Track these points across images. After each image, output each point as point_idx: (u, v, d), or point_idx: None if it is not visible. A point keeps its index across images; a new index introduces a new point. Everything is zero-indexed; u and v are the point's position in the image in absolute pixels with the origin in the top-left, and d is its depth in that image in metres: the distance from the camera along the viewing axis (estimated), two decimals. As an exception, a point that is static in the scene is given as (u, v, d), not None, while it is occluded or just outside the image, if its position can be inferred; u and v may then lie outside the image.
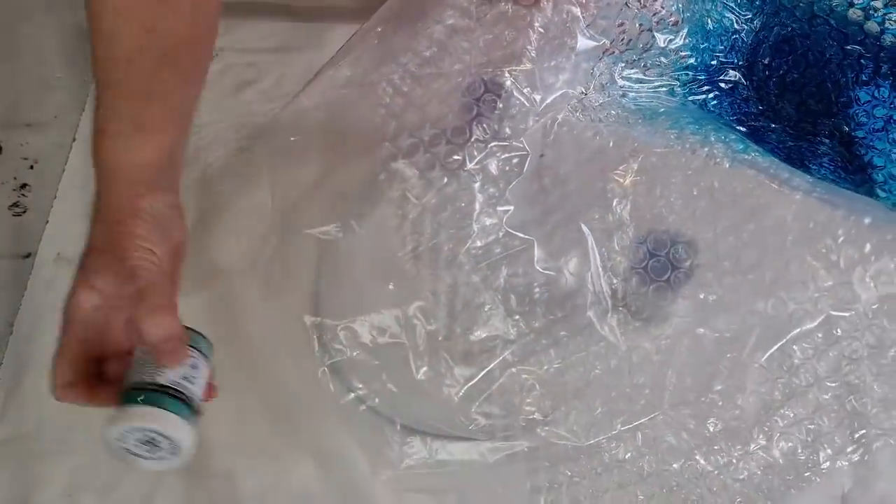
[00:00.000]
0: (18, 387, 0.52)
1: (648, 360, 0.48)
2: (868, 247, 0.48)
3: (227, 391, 0.51)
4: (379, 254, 0.51)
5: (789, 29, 0.54)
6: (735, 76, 0.55)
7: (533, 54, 0.50)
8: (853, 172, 0.52)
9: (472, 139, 0.50)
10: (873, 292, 0.48)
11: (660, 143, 0.51)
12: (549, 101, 0.51)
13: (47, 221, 0.57)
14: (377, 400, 0.49)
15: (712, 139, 0.50)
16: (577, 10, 0.50)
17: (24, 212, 0.58)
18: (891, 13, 0.51)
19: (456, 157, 0.51)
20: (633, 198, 0.50)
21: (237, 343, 0.52)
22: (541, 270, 0.50)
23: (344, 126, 0.54)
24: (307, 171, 0.55)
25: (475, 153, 0.50)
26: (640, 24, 0.52)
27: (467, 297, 0.50)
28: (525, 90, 0.50)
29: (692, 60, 0.54)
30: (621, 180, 0.50)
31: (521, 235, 0.50)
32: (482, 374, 0.48)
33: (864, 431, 0.47)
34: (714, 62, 0.55)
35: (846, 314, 0.47)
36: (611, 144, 0.51)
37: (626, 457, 0.48)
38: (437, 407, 0.48)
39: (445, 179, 0.51)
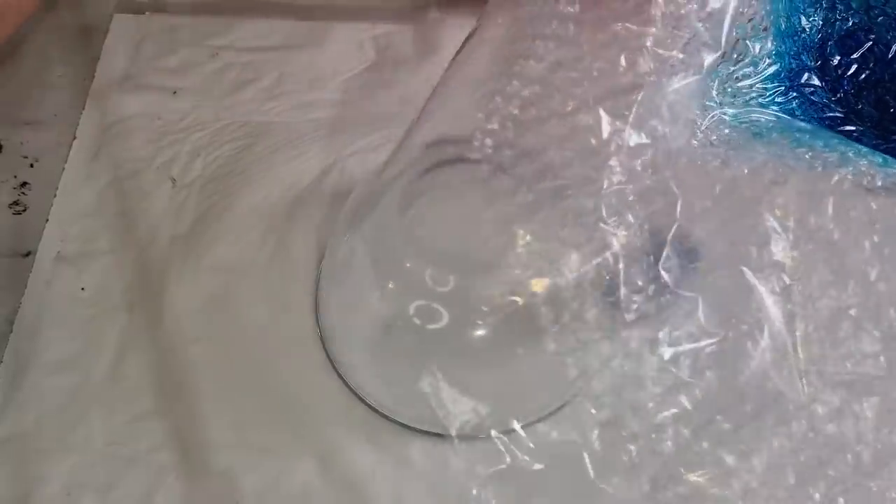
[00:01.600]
0: (18, 385, 0.52)
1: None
2: None
3: (227, 390, 0.51)
4: (381, 254, 0.49)
5: (850, 23, 0.52)
6: (811, 78, 0.51)
7: (653, 78, 0.43)
8: None
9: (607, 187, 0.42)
10: None
11: (794, 163, 0.44)
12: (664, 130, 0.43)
13: (47, 220, 0.57)
14: (378, 399, 0.49)
15: (851, 155, 0.44)
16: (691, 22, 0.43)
17: (24, 210, 0.58)
18: None
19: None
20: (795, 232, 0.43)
21: (237, 342, 0.53)
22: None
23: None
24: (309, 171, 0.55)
25: (613, 201, 0.42)
26: (736, 33, 0.46)
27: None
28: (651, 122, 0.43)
29: (777, 66, 0.50)
30: (779, 213, 0.43)
31: (684, 293, 0.42)
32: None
33: None
34: (792, 65, 0.51)
35: None
36: (745, 171, 0.44)
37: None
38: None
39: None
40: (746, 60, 0.48)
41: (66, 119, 0.61)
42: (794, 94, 0.51)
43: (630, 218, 0.42)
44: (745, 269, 0.42)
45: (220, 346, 0.52)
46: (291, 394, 0.51)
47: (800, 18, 0.51)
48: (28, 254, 0.56)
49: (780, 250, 0.42)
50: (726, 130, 0.46)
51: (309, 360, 0.52)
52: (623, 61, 0.42)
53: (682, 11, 0.43)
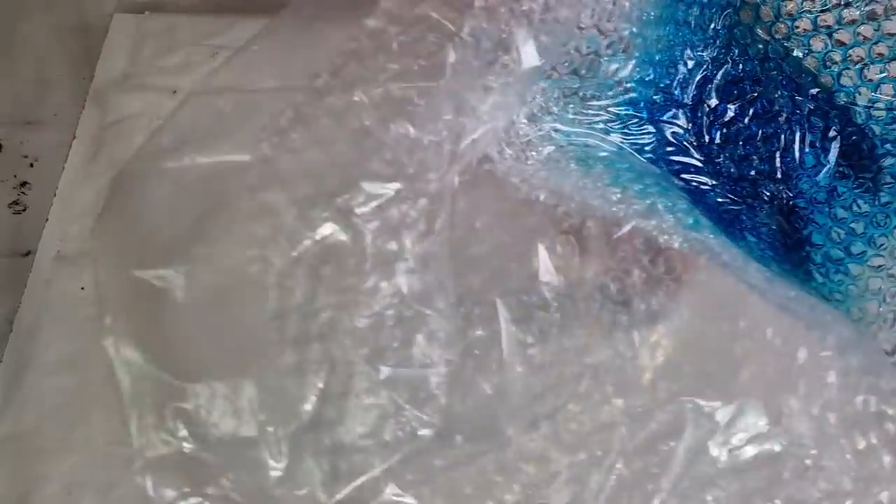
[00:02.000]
0: (18, 385, 0.52)
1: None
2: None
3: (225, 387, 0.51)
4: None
5: (739, 69, 0.48)
6: (677, 116, 0.47)
7: (455, 70, 0.40)
8: (791, 248, 0.46)
9: (371, 175, 0.39)
10: None
11: (598, 202, 0.41)
12: (471, 130, 0.40)
13: (47, 219, 0.57)
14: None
15: (660, 207, 0.40)
16: (518, 22, 0.40)
17: (24, 210, 0.58)
18: (848, 69, 0.46)
19: (345, 195, 0.39)
20: (565, 272, 0.41)
21: (238, 338, 0.52)
22: (439, 356, 0.40)
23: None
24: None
25: (373, 192, 0.40)
26: (588, 47, 0.44)
27: (344, 381, 0.40)
28: (445, 116, 0.40)
29: (635, 94, 0.46)
30: (551, 249, 0.41)
31: (423, 310, 0.40)
32: (352, 488, 0.40)
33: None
34: (658, 97, 0.47)
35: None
36: (541, 197, 0.41)
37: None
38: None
39: (330, 222, 0.40)
40: (596, 80, 0.45)
41: (65, 118, 0.61)
42: (651, 128, 0.47)
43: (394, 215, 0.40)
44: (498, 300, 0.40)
45: (221, 346, 0.52)
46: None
47: (684, 51, 0.47)
48: (27, 253, 0.56)
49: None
50: (549, 149, 0.43)
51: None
52: (429, 44, 0.40)
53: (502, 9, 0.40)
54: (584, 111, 0.45)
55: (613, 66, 0.44)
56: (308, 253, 0.40)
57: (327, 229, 0.40)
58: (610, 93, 0.45)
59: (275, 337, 0.41)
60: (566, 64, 0.43)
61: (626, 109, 0.46)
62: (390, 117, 0.40)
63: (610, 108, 0.45)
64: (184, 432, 0.41)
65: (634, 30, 0.44)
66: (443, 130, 0.40)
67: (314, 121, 0.42)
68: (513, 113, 0.42)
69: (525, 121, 0.43)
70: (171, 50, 0.62)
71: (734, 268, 0.39)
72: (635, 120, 0.46)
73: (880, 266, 0.44)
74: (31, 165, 0.59)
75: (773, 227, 0.46)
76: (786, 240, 0.46)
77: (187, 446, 0.40)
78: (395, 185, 0.39)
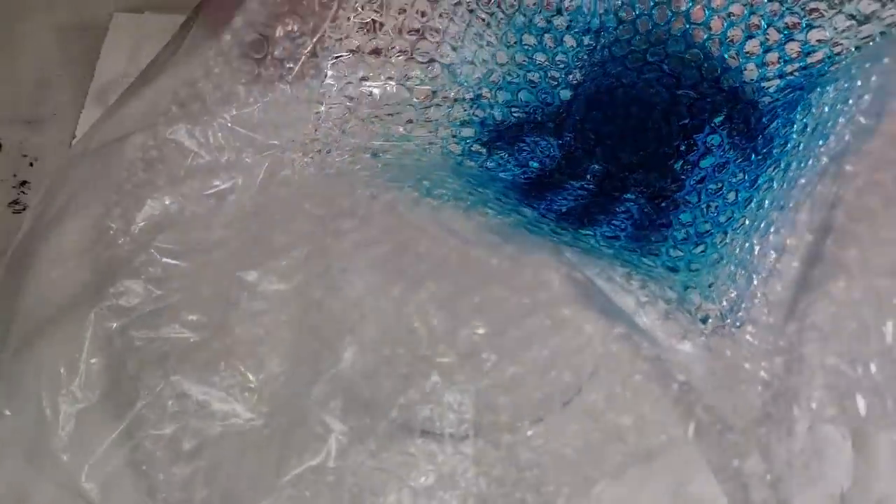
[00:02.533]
0: (18, 383, 0.52)
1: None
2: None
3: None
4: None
5: (612, 80, 0.48)
6: (535, 137, 0.47)
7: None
8: (647, 229, 0.46)
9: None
10: None
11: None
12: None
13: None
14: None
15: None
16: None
17: (24, 209, 0.59)
18: (729, 50, 0.46)
19: None
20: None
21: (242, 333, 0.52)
22: None
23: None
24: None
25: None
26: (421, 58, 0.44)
27: None
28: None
29: (479, 117, 0.47)
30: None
31: None
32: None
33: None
34: (512, 119, 0.47)
35: None
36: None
37: None
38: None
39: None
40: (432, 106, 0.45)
41: (65, 118, 0.61)
42: (499, 146, 0.47)
43: None
44: None
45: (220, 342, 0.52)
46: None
47: (544, 75, 0.47)
48: None
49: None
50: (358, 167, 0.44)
51: None
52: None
53: None
54: (416, 135, 0.46)
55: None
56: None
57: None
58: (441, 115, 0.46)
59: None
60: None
61: (466, 130, 0.47)
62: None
63: (447, 131, 0.46)
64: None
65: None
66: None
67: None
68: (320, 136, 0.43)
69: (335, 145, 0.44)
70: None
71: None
72: (479, 141, 0.47)
73: (742, 225, 0.43)
74: (31, 165, 0.60)
75: (635, 214, 0.46)
76: (644, 222, 0.46)
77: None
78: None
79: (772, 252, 0.40)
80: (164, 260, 0.41)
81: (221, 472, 0.40)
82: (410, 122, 0.45)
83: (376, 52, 0.43)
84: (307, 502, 0.38)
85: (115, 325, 0.41)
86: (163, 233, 0.41)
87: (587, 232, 0.44)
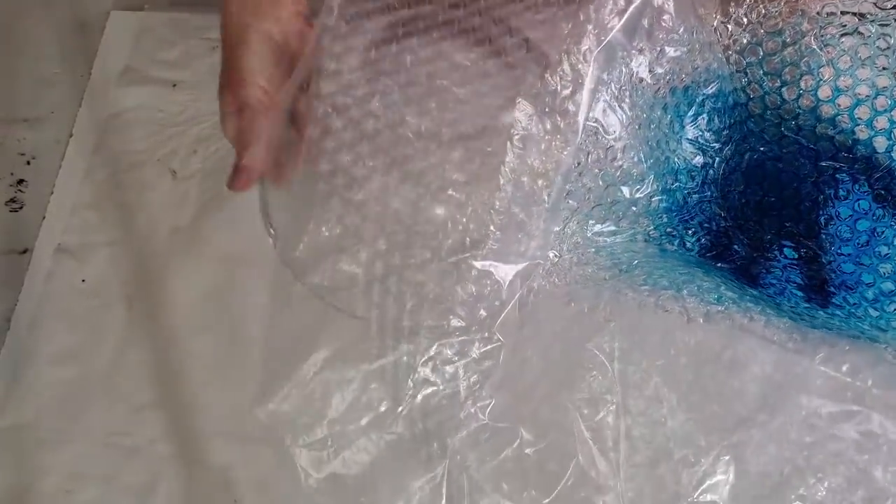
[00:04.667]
0: (19, 377, 0.52)
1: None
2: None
3: (226, 381, 0.52)
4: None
5: (760, 152, 0.53)
6: (711, 210, 0.52)
7: (498, 234, 0.46)
8: (817, 293, 0.51)
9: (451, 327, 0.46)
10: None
11: (632, 303, 0.49)
12: (520, 271, 0.46)
13: (44, 217, 0.57)
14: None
15: (685, 293, 0.49)
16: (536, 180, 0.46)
17: (21, 207, 0.58)
18: (859, 125, 0.51)
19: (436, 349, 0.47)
20: (615, 365, 0.48)
21: (237, 332, 0.53)
22: (529, 454, 0.47)
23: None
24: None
25: (455, 345, 0.47)
26: (604, 181, 0.49)
27: (461, 484, 0.47)
28: (493, 267, 0.46)
29: (665, 203, 0.52)
30: (599, 350, 0.49)
31: (503, 426, 0.48)
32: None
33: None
34: (688, 200, 0.53)
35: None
36: (585, 310, 0.49)
37: None
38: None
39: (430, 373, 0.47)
40: (622, 203, 0.49)
41: (63, 116, 0.61)
42: (686, 225, 0.52)
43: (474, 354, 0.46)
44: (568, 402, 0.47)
45: (221, 337, 0.53)
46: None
47: (700, 155, 0.52)
48: (25, 251, 0.57)
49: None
50: (590, 269, 0.49)
51: (309, 347, 0.51)
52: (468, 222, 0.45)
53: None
54: (622, 229, 0.50)
55: (633, 188, 0.49)
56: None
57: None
58: (638, 208, 0.50)
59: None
60: (589, 199, 0.48)
61: (659, 218, 0.51)
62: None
63: (645, 221, 0.50)
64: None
65: (642, 154, 0.48)
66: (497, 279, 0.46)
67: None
68: (555, 248, 0.48)
69: (568, 251, 0.49)
70: (170, 44, 0.62)
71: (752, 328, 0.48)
72: (671, 224, 0.51)
73: None
74: (28, 163, 0.60)
75: (799, 281, 0.51)
76: (809, 286, 0.51)
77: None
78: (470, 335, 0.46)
79: None
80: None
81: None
82: (619, 216, 0.50)
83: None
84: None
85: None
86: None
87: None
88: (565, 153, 0.46)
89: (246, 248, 0.55)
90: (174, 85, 0.61)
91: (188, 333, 0.53)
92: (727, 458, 0.46)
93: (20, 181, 0.59)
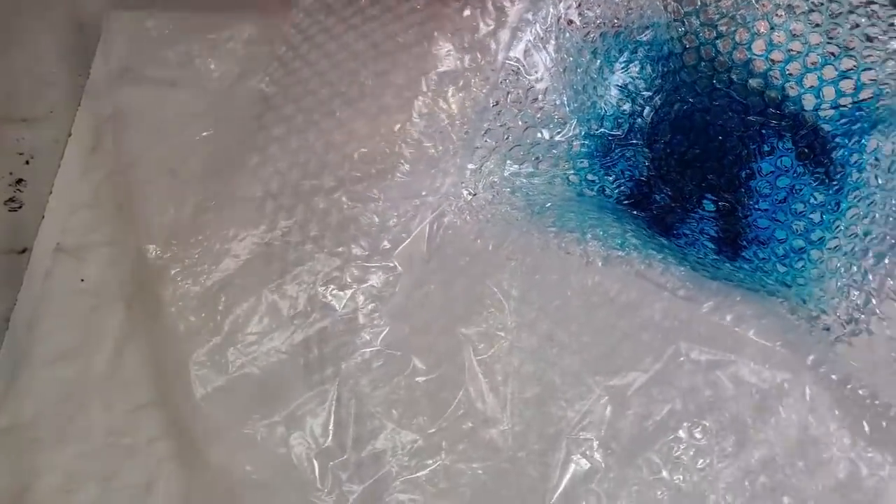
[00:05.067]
0: (17, 376, 0.52)
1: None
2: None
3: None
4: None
5: (690, 104, 0.54)
6: (635, 158, 0.55)
7: (407, 167, 0.49)
8: (729, 245, 0.54)
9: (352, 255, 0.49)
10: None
11: (537, 243, 0.50)
12: (431, 205, 0.50)
13: (43, 216, 0.57)
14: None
15: (588, 237, 0.50)
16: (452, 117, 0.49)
17: (20, 207, 0.58)
18: (789, 82, 0.52)
19: (336, 274, 0.49)
20: (511, 303, 0.49)
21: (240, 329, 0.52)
22: (420, 382, 0.48)
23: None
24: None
25: (355, 272, 0.49)
26: (523, 122, 0.51)
27: (350, 408, 0.48)
28: (402, 200, 0.50)
29: (587, 148, 0.54)
30: (498, 288, 0.49)
31: (397, 354, 0.49)
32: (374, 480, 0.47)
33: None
34: (612, 146, 0.55)
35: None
36: (490, 247, 0.50)
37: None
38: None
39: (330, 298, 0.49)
40: (542, 145, 0.52)
41: (61, 115, 0.61)
42: (607, 171, 0.54)
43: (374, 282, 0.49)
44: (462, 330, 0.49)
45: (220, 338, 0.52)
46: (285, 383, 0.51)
47: (629, 103, 0.54)
48: (24, 251, 0.57)
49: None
50: (503, 208, 0.52)
51: (299, 346, 0.51)
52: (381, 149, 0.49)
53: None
54: (541, 171, 0.53)
55: (554, 132, 0.52)
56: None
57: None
58: (559, 151, 0.53)
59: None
60: (508, 139, 0.51)
61: (580, 162, 0.54)
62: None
63: (565, 164, 0.53)
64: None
65: (566, 98, 0.51)
66: (408, 211, 0.49)
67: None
68: (471, 186, 0.51)
69: (483, 190, 0.52)
70: (169, 43, 0.62)
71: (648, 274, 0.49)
72: (592, 169, 0.54)
73: (836, 247, 0.50)
74: (27, 163, 0.60)
75: (712, 233, 0.54)
76: (722, 239, 0.54)
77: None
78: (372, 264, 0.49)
79: (889, 280, 0.48)
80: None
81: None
82: (538, 158, 0.53)
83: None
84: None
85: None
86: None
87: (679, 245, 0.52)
88: (484, 91, 0.48)
89: (246, 249, 0.54)
90: (173, 84, 0.60)
91: (187, 333, 0.52)
92: (607, 398, 0.47)
93: (19, 181, 0.59)
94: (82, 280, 0.55)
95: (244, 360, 0.48)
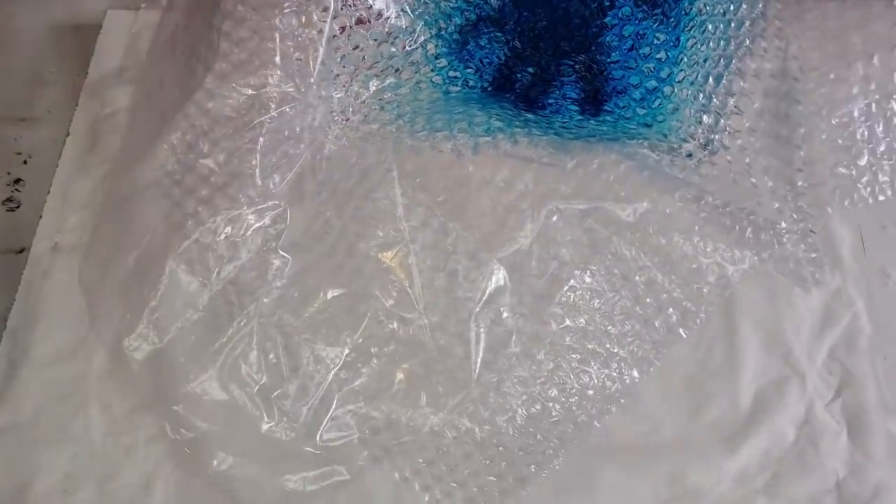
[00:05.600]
0: (16, 376, 0.53)
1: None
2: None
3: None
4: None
5: None
6: (489, 45, 0.58)
7: (274, 113, 0.51)
8: (591, 104, 0.58)
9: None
10: None
11: (410, 149, 0.54)
12: (306, 140, 0.53)
13: (41, 216, 0.58)
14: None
15: (455, 131, 0.54)
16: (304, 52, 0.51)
17: (18, 207, 0.59)
18: None
19: (231, 227, 0.51)
20: (400, 209, 0.53)
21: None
22: (336, 302, 0.52)
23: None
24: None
25: (251, 220, 0.52)
26: (374, 39, 0.55)
27: (274, 339, 0.51)
28: (280, 144, 0.52)
29: (441, 48, 0.58)
30: (387, 199, 0.53)
31: (310, 283, 0.52)
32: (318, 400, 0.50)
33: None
34: (465, 39, 0.58)
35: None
36: (371, 165, 0.54)
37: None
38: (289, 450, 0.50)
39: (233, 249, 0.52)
40: (398, 56, 0.56)
41: (59, 115, 0.62)
42: (466, 65, 0.58)
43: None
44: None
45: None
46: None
47: None
48: (21, 250, 0.57)
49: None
50: (375, 126, 0.55)
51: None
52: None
53: None
54: (405, 80, 0.57)
55: (404, 41, 0.56)
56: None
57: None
58: (417, 57, 0.57)
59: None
60: (364, 59, 0.55)
61: (436, 63, 0.58)
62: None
63: (425, 71, 0.57)
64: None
65: (407, 7, 0.55)
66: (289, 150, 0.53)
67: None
68: (342, 111, 0.55)
69: (354, 113, 0.55)
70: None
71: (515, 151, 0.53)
72: (451, 67, 0.58)
73: (684, 78, 0.56)
74: (25, 162, 0.61)
75: (580, 91, 0.58)
76: (584, 100, 0.58)
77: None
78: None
79: (729, 98, 0.53)
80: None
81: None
82: (398, 70, 0.56)
83: (360, 21, 0.54)
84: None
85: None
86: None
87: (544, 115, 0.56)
88: (325, 20, 0.51)
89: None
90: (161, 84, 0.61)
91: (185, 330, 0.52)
92: (503, 269, 0.51)
93: (17, 180, 0.60)
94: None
95: (171, 327, 0.50)
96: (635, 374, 0.51)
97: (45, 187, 0.58)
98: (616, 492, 0.50)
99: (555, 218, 0.51)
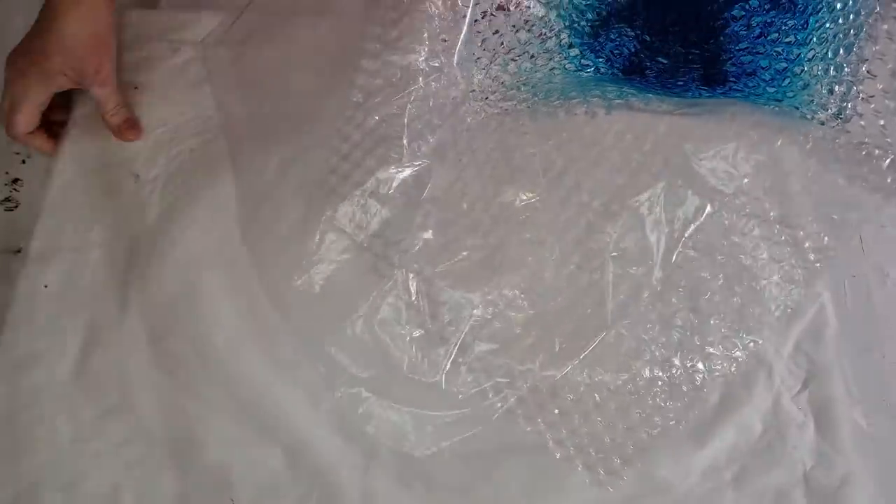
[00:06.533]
0: None
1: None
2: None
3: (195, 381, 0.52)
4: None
5: None
6: (620, 39, 0.62)
7: (422, 84, 0.56)
8: (720, 84, 0.61)
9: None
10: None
11: (544, 114, 0.59)
12: (447, 114, 0.57)
13: (39, 216, 0.57)
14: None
15: (589, 97, 0.59)
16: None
17: (16, 206, 0.59)
18: None
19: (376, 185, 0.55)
20: (535, 166, 0.57)
21: (203, 336, 0.53)
22: (478, 251, 0.55)
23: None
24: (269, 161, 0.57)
25: (396, 177, 0.55)
26: (513, 27, 0.61)
27: (419, 288, 0.54)
28: (427, 113, 0.57)
29: (574, 38, 0.62)
30: (522, 158, 0.57)
31: (451, 239, 0.55)
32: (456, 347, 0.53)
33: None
34: (597, 32, 0.63)
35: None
36: (507, 134, 0.59)
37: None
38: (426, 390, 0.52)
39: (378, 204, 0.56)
40: (534, 43, 0.61)
41: (58, 115, 0.61)
42: (597, 55, 0.62)
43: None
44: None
45: (187, 340, 0.53)
46: (260, 385, 0.52)
47: None
48: (19, 250, 0.57)
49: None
50: (511, 104, 0.60)
51: (278, 349, 0.53)
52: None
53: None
54: (539, 65, 0.62)
55: (540, 31, 0.62)
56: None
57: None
58: (551, 45, 0.62)
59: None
60: (503, 45, 0.61)
61: (569, 52, 0.62)
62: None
63: (558, 58, 0.62)
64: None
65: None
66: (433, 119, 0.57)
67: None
68: (485, 90, 0.60)
69: (492, 92, 0.60)
70: (132, 45, 0.62)
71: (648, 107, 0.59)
72: (583, 56, 0.62)
73: (813, 56, 0.59)
74: (24, 162, 0.61)
75: (697, 78, 0.62)
76: (712, 80, 0.61)
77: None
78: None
79: (861, 65, 0.57)
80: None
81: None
82: (533, 56, 0.61)
83: (500, 7, 0.61)
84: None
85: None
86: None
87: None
88: (468, 6, 0.57)
89: (211, 250, 0.55)
90: (136, 87, 0.61)
91: (156, 335, 0.53)
92: (635, 217, 0.55)
93: (15, 180, 0.60)
94: (45, 286, 0.54)
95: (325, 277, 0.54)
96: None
97: (43, 187, 0.58)
98: (586, 489, 0.51)
99: (690, 162, 0.55)
